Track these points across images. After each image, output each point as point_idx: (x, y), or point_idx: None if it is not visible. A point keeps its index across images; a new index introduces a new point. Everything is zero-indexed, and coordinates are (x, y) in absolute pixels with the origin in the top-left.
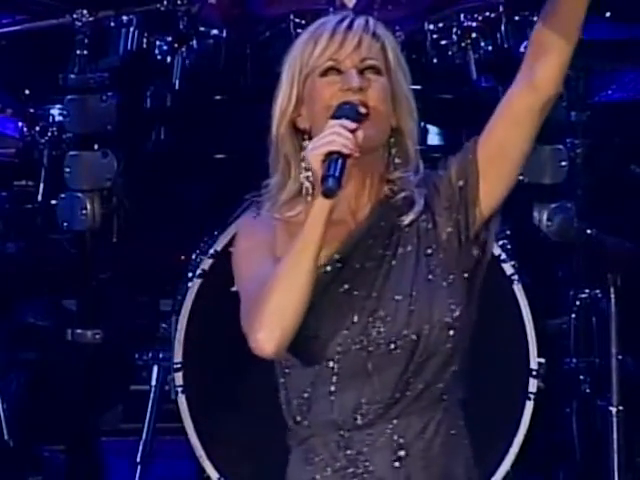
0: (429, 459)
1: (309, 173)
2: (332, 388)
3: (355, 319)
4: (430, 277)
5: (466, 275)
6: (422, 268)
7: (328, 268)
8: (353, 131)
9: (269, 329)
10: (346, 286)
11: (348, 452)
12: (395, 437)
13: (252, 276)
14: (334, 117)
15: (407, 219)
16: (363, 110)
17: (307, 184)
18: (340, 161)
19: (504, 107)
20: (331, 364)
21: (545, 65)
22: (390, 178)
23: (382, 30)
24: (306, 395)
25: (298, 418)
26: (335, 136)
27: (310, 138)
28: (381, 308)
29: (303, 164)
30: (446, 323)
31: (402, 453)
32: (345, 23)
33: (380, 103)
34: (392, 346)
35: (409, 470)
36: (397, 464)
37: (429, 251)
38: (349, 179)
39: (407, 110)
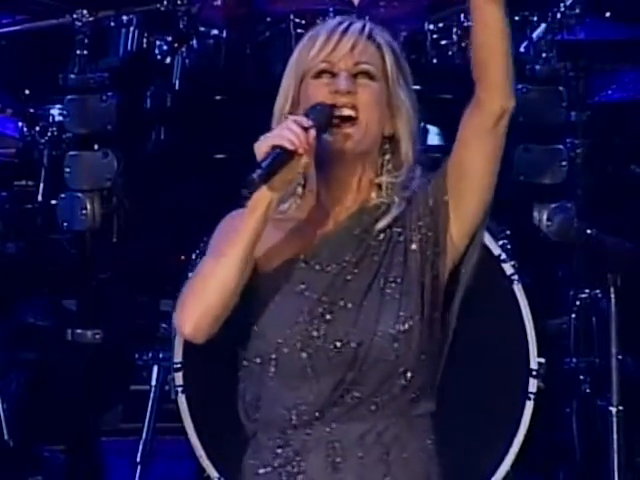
0: (365, 468)
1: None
2: (273, 385)
3: (300, 319)
4: (385, 287)
5: (435, 290)
6: (380, 279)
7: (289, 266)
8: (306, 129)
9: (189, 311)
10: (302, 286)
11: (287, 449)
12: (331, 441)
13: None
14: (303, 114)
15: (378, 226)
16: (339, 113)
17: (297, 182)
18: (280, 156)
19: (460, 129)
20: (273, 361)
21: (484, 83)
22: (377, 183)
23: (383, 36)
24: (255, 390)
25: (250, 412)
26: (285, 131)
27: None
28: (328, 313)
29: None
30: (390, 334)
31: (338, 459)
32: (342, 26)
33: (369, 108)
34: (331, 353)
35: (343, 477)
36: (330, 469)
37: (395, 262)
38: (334, 181)
39: (405, 117)
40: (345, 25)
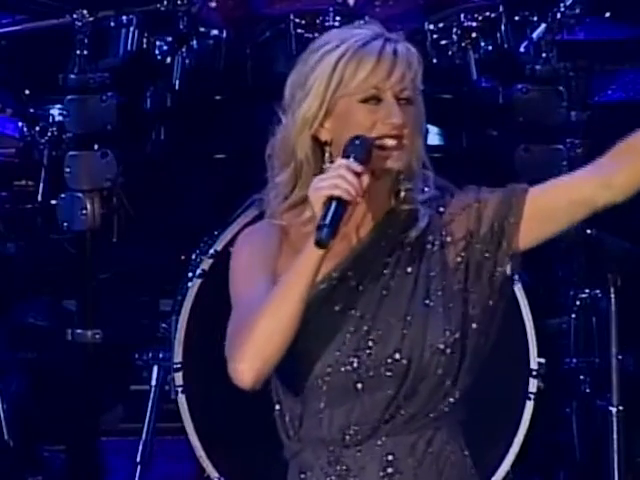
0: (419, 476)
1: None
2: (322, 406)
3: (347, 339)
4: (427, 301)
5: (479, 305)
6: (420, 291)
7: (324, 285)
8: (359, 174)
9: (250, 361)
10: (341, 305)
11: (338, 468)
12: (384, 454)
13: (245, 297)
14: (345, 153)
15: (410, 236)
16: (382, 143)
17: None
18: (339, 208)
19: (571, 186)
20: (320, 383)
21: (628, 174)
22: (396, 191)
23: (413, 53)
24: (297, 411)
25: (290, 433)
26: (340, 180)
27: (331, 153)
28: (374, 330)
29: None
30: (437, 349)
31: (390, 470)
32: (389, 49)
33: (415, 136)
34: (382, 369)
35: None
36: None
37: (432, 273)
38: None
39: (419, 128)
40: (392, 47)
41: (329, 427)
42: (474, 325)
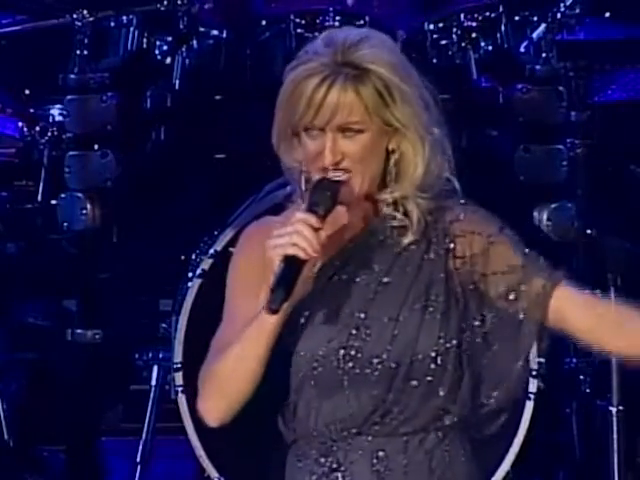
0: (410, 475)
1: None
2: (311, 398)
3: (335, 334)
4: (425, 306)
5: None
6: (417, 294)
7: (317, 279)
8: (317, 229)
9: (214, 401)
10: (332, 300)
11: (330, 459)
12: (374, 450)
13: (229, 315)
14: (308, 203)
15: (405, 240)
16: (342, 178)
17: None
18: (294, 268)
19: (590, 314)
20: (309, 375)
21: (627, 350)
22: (378, 198)
23: (368, 69)
24: (293, 401)
25: (287, 421)
26: (297, 237)
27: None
28: (364, 327)
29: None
30: (428, 356)
31: (380, 467)
32: (323, 87)
33: (359, 163)
34: (368, 369)
35: None
36: (375, 477)
37: (434, 278)
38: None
39: (410, 136)
40: (328, 82)
41: (316, 420)
42: (471, 335)
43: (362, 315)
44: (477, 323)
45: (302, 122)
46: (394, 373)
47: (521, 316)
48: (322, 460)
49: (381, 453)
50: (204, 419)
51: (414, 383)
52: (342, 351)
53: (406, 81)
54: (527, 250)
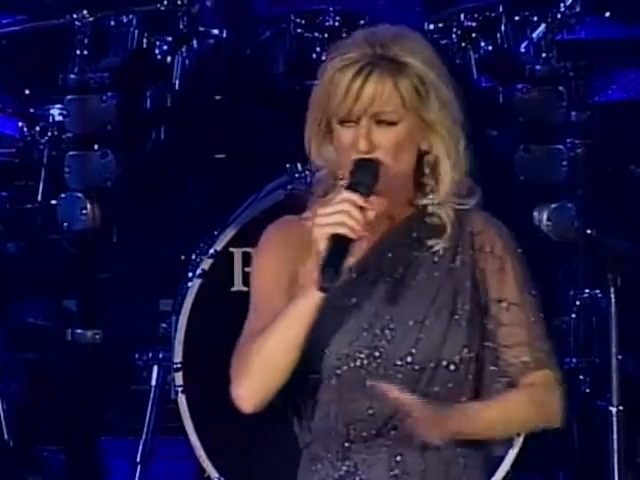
0: (427, 479)
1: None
2: (331, 398)
3: (360, 335)
4: (452, 311)
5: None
6: (445, 300)
7: (343, 277)
8: (364, 208)
9: (250, 388)
10: (357, 299)
11: (347, 463)
12: (393, 454)
13: (260, 309)
14: (350, 183)
15: (436, 245)
16: (379, 165)
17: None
18: (343, 247)
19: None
20: (331, 375)
21: None
22: (417, 204)
23: (405, 63)
24: (310, 402)
25: (303, 423)
26: (345, 217)
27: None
28: (388, 329)
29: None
30: (453, 363)
31: (398, 471)
32: (361, 76)
33: (391, 156)
34: (392, 370)
35: None
36: None
37: (461, 285)
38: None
39: (440, 134)
40: (366, 72)
41: (335, 421)
42: (491, 350)
43: (387, 316)
44: (483, 337)
45: (339, 111)
46: (418, 377)
47: None
48: (338, 464)
49: (399, 458)
50: (238, 405)
51: (436, 389)
52: (366, 351)
53: (441, 79)
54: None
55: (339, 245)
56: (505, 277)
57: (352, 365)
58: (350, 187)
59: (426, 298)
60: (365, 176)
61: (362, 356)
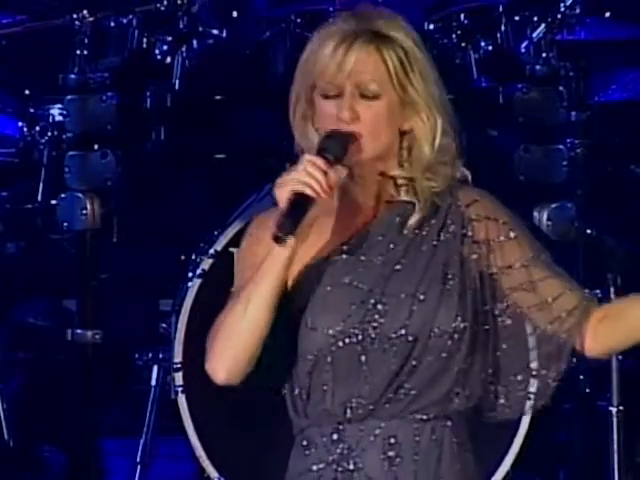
0: (420, 463)
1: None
2: (327, 378)
3: (352, 311)
4: (443, 282)
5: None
6: (436, 272)
7: (334, 258)
8: (325, 171)
9: (221, 360)
10: (349, 278)
11: (341, 446)
12: (386, 436)
13: (240, 281)
14: (317, 149)
15: (413, 220)
16: (350, 138)
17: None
18: (302, 205)
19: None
20: (327, 355)
21: (599, 349)
22: (394, 175)
23: (391, 32)
24: (305, 384)
25: (298, 407)
26: (305, 176)
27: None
28: (381, 304)
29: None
30: (446, 332)
31: (392, 453)
32: (347, 41)
33: (373, 129)
34: (387, 344)
35: (398, 472)
36: (386, 464)
37: (451, 258)
38: (358, 178)
39: (422, 113)
40: (350, 39)
41: (332, 400)
42: (487, 323)
43: (379, 292)
44: (491, 310)
45: (322, 81)
46: (412, 347)
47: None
48: (332, 447)
49: (392, 440)
50: (212, 379)
51: (430, 358)
52: (360, 327)
53: (425, 56)
54: (538, 246)
55: (299, 202)
56: (522, 240)
57: (347, 341)
58: (318, 153)
59: (417, 272)
60: (334, 145)
61: (356, 332)
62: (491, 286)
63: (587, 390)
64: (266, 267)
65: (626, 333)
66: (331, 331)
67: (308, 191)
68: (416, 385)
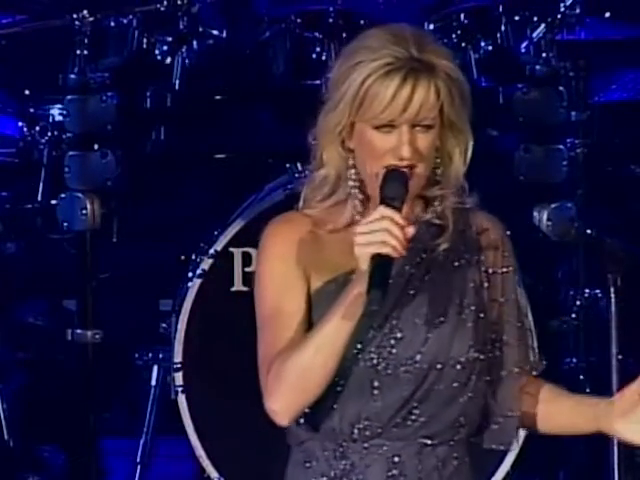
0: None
1: (356, 184)
2: (336, 398)
3: (370, 335)
4: (459, 310)
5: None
6: (452, 300)
7: (352, 277)
8: (403, 226)
9: (287, 402)
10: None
11: (343, 462)
12: (390, 455)
13: (276, 312)
14: (383, 197)
15: (441, 246)
16: (409, 174)
17: (357, 200)
18: (387, 266)
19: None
20: (339, 376)
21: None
22: (427, 195)
23: (441, 67)
24: (314, 402)
25: (300, 420)
26: (387, 236)
27: (354, 163)
28: (398, 329)
29: (350, 181)
30: (459, 362)
31: (395, 471)
32: (408, 85)
33: (427, 156)
34: (401, 369)
35: None
36: None
37: (468, 286)
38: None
39: (461, 135)
40: (412, 80)
41: (340, 420)
42: (493, 351)
43: (396, 317)
44: (495, 338)
45: (378, 118)
46: (425, 374)
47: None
48: (335, 462)
49: (396, 459)
50: (275, 419)
51: (441, 387)
52: (375, 351)
53: (465, 80)
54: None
55: (382, 265)
56: (512, 276)
57: (360, 365)
58: (384, 201)
59: (434, 299)
60: (398, 188)
61: (372, 356)
62: (496, 313)
63: (587, 390)
64: (339, 329)
65: (559, 426)
66: (346, 353)
67: (392, 253)
68: (426, 412)
